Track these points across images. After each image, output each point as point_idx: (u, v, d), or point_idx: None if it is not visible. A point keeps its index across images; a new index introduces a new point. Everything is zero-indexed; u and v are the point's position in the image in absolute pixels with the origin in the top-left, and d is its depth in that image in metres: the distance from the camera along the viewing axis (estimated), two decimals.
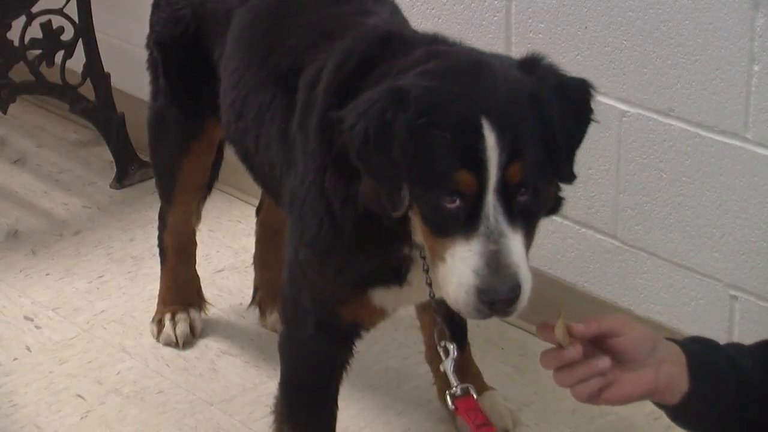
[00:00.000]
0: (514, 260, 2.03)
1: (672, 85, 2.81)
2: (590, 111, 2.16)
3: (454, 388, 2.26)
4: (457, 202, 2.03)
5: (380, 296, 2.35)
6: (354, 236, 2.24)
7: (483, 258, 2.02)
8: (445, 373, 2.28)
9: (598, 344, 2.03)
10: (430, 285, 2.24)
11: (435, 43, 2.31)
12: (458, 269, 2.04)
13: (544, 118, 2.07)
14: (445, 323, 2.35)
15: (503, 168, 2.01)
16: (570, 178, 2.15)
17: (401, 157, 2.04)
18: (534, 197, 2.07)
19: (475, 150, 2.01)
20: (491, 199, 2.02)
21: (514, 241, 2.04)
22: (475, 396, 2.26)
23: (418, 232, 2.13)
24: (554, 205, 2.21)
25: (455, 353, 2.30)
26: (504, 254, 2.02)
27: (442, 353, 2.31)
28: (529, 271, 2.06)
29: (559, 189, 2.19)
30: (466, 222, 2.03)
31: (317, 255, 2.33)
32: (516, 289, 2.03)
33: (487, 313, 2.06)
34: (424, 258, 2.22)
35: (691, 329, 2.93)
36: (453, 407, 2.26)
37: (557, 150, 2.09)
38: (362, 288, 2.34)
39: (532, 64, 2.15)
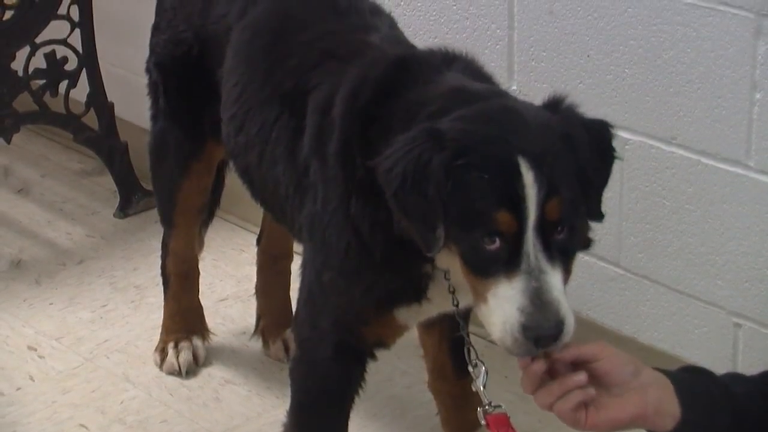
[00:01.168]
0: (556, 296, 2.05)
1: (674, 113, 2.81)
2: (613, 150, 2.20)
3: (486, 406, 2.27)
4: (497, 243, 2.05)
5: (403, 313, 2.37)
6: (383, 258, 2.26)
7: (526, 295, 2.04)
8: (453, 389, 2.29)
9: (579, 370, 2.05)
10: (454, 297, 2.27)
11: (449, 63, 2.33)
12: (502, 308, 2.06)
13: (576, 156, 2.10)
14: (452, 338, 2.38)
15: (542, 205, 2.04)
16: (599, 216, 2.19)
17: (437, 198, 2.06)
18: (570, 234, 2.10)
19: (514, 189, 2.03)
20: (531, 237, 2.04)
21: (555, 278, 2.06)
22: (507, 414, 2.27)
23: (454, 269, 2.15)
24: (586, 243, 2.24)
25: (485, 371, 2.32)
26: (546, 290, 2.04)
27: (473, 373, 2.33)
28: (569, 306, 2.08)
29: (589, 227, 2.22)
30: (507, 261, 2.05)
31: (344, 277, 2.35)
32: (560, 324, 2.05)
33: (533, 350, 2.07)
34: (448, 279, 2.25)
35: (694, 357, 2.92)
36: (484, 422, 2.26)
37: (589, 187, 2.13)
38: (386, 306, 2.36)
39: (556, 104, 2.18)
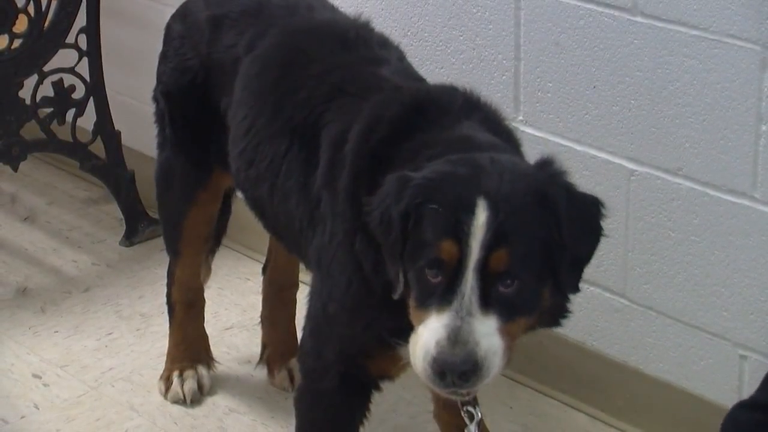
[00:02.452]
0: (475, 338, 2.06)
1: (680, 145, 2.82)
2: (600, 229, 2.18)
3: None
4: (438, 277, 2.09)
5: (406, 350, 2.36)
6: (384, 298, 2.27)
7: (446, 331, 2.07)
8: (457, 420, 2.30)
9: None
10: None
11: (469, 111, 2.34)
12: (424, 339, 2.10)
13: (547, 217, 2.10)
14: None
15: (487, 249, 2.05)
16: (573, 289, 2.18)
17: (398, 239, 2.13)
18: (519, 293, 2.09)
19: (463, 224, 2.06)
20: (470, 278, 2.06)
21: (482, 324, 2.07)
22: None
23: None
24: (556, 314, 2.23)
25: (479, 416, 2.32)
26: (466, 331, 2.06)
27: (466, 418, 2.34)
28: (499, 359, 2.08)
29: (563, 299, 2.21)
30: (442, 295, 2.09)
31: (346, 311, 2.36)
32: (468, 363, 2.06)
33: (440, 384, 2.10)
34: None
35: (700, 389, 2.92)
36: None
37: (561, 255, 2.11)
38: (389, 343, 2.35)
39: (545, 165, 2.18)
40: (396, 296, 2.18)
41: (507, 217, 2.06)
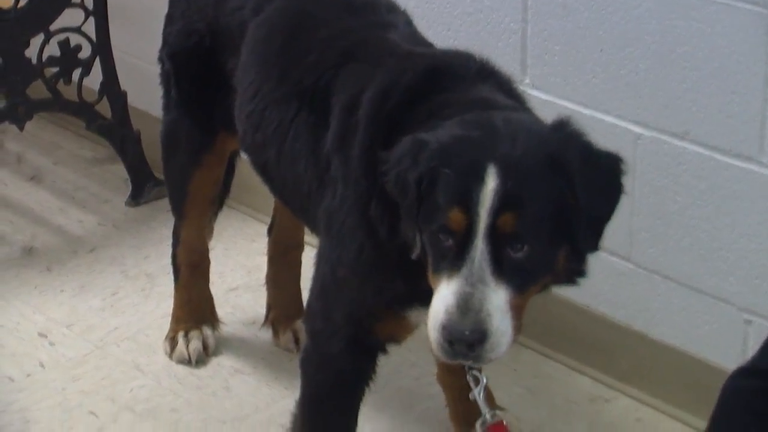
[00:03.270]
0: (486, 307, 2.05)
1: (687, 109, 2.81)
2: (620, 187, 2.16)
3: (485, 415, 2.27)
4: (450, 241, 2.08)
5: (414, 314, 2.38)
6: (398, 262, 2.27)
7: (455, 298, 2.06)
8: (461, 383, 2.30)
9: None
10: None
11: (484, 77, 2.32)
12: (435, 305, 2.10)
13: (561, 179, 2.08)
14: None
15: (495, 215, 2.04)
16: (592, 249, 2.16)
17: (413, 202, 2.12)
18: (531, 257, 2.08)
19: (474, 191, 2.05)
20: (480, 244, 2.05)
21: (494, 292, 2.06)
22: (505, 423, 2.27)
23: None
24: (571, 275, 2.21)
25: (485, 381, 2.32)
26: (477, 299, 2.05)
27: (472, 383, 2.34)
28: (510, 328, 2.07)
29: (579, 260, 2.18)
30: (453, 261, 2.07)
31: (357, 276, 2.36)
32: (477, 333, 2.05)
33: (449, 352, 2.09)
34: None
35: (704, 353, 2.92)
36: None
37: (578, 216, 2.09)
38: (398, 308, 2.36)
39: (561, 127, 2.16)
40: (414, 257, 2.17)
41: (517, 182, 2.05)
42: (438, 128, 2.15)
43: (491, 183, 2.04)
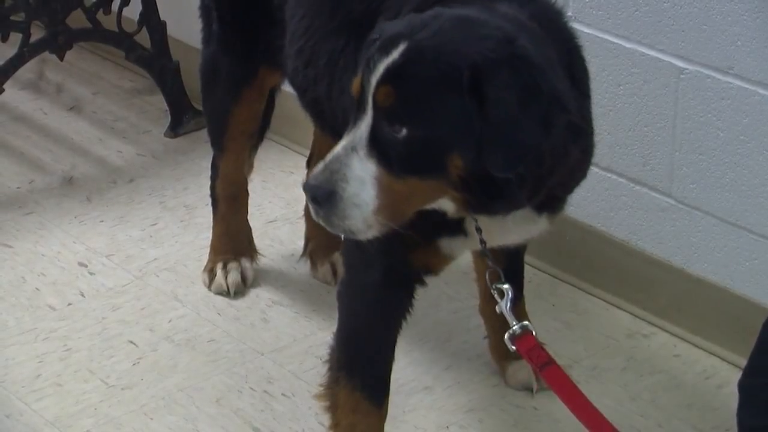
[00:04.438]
0: (344, 171, 2.08)
1: (732, 43, 2.77)
2: (543, 125, 2.05)
3: (513, 328, 2.25)
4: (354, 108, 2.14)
5: (446, 244, 2.37)
6: None
7: (328, 156, 2.11)
8: (502, 315, 2.29)
9: None
10: (479, 234, 2.28)
11: None
12: None
13: (472, 87, 2.03)
14: (501, 268, 2.37)
15: (377, 85, 2.07)
16: (497, 169, 2.06)
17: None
18: (410, 142, 2.06)
19: (375, 61, 2.08)
20: (368, 115, 2.08)
21: (360, 161, 2.08)
22: (534, 333, 2.25)
23: None
24: (493, 196, 2.12)
25: (511, 294, 2.30)
26: (340, 160, 2.08)
27: (497, 295, 2.32)
28: (369, 204, 2.08)
29: (503, 181, 2.08)
30: (349, 127, 2.13)
31: None
32: (322, 190, 2.08)
33: (313, 210, 2.13)
34: (475, 219, 2.26)
35: (744, 289, 2.91)
36: (513, 348, 2.26)
37: (486, 129, 2.03)
38: (430, 236, 2.35)
39: (507, 42, 2.07)
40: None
41: (414, 63, 2.06)
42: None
43: (390, 58, 2.07)
